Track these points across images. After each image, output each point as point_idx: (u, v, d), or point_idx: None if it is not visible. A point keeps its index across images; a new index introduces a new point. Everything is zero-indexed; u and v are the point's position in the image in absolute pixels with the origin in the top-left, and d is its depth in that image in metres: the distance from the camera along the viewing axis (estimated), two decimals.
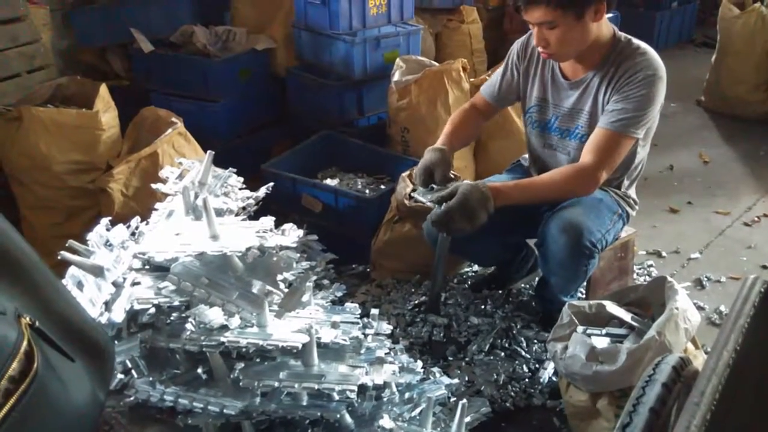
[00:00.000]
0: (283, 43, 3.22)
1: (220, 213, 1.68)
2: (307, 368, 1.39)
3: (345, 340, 1.41)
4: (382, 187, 2.77)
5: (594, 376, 1.69)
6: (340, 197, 2.65)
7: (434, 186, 1.95)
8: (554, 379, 1.95)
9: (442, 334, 2.07)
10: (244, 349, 1.35)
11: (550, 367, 1.99)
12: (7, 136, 2.25)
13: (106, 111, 2.31)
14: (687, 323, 1.73)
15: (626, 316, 1.85)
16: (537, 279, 2.33)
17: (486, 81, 2.28)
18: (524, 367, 1.99)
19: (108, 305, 1.36)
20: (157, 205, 1.74)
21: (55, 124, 2.22)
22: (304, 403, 1.35)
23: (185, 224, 1.53)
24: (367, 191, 2.76)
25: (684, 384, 1.33)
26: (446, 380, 1.63)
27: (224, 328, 1.38)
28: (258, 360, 1.41)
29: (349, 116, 3.12)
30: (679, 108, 4.31)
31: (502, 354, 2.03)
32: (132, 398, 1.46)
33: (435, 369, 1.68)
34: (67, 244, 1.52)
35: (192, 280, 1.41)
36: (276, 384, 1.34)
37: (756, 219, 3.10)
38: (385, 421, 1.34)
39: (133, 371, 1.41)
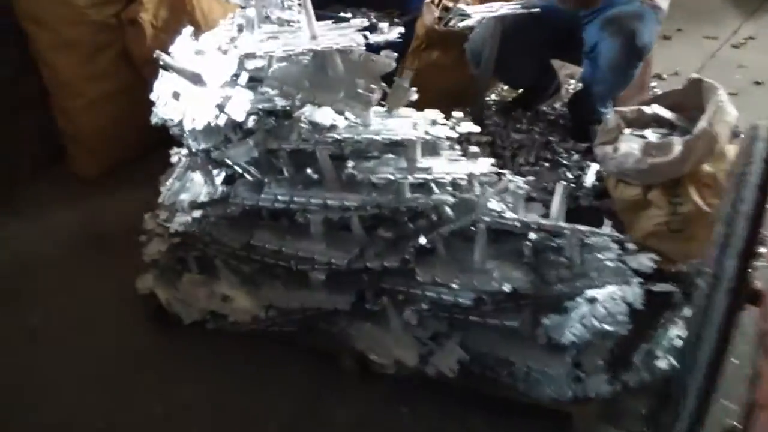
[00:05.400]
0: None
1: (290, 24, 1.66)
2: (411, 163, 1.46)
3: (446, 136, 1.47)
4: (396, 20, 2.74)
5: (649, 169, 1.82)
6: None
7: None
8: (596, 183, 2.10)
9: (488, 151, 2.17)
10: (357, 145, 1.40)
11: (592, 172, 2.13)
12: None
13: None
14: (729, 117, 1.87)
15: (668, 114, 1.98)
16: (571, 94, 2.43)
17: None
18: (568, 173, 2.13)
19: (221, 108, 1.37)
20: (221, 22, 1.70)
21: None
22: (409, 195, 1.43)
23: (273, 31, 1.51)
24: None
25: None
26: (519, 179, 1.72)
27: (333, 127, 1.42)
28: (363, 158, 1.47)
29: None
30: None
31: (546, 165, 2.15)
32: (234, 207, 1.52)
33: (505, 171, 1.76)
34: (155, 55, 1.49)
35: (294, 83, 1.43)
36: (390, 176, 1.41)
37: (743, 41, 3.26)
38: (493, 204, 1.44)
39: (245, 175, 1.45)
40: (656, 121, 2.01)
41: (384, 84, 1.44)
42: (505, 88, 2.66)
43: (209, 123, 1.38)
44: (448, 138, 1.59)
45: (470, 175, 1.46)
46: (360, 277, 1.50)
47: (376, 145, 1.42)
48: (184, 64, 1.46)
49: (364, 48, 1.43)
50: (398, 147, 1.46)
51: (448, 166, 1.46)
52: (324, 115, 1.41)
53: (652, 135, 1.90)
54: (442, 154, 1.52)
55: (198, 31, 2.19)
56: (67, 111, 2.30)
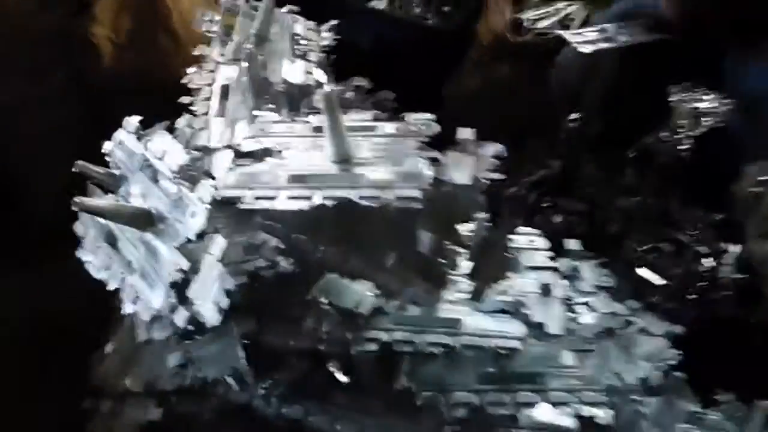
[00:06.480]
0: None
1: (306, 91, 1.02)
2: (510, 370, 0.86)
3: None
4: (445, 9, 2.06)
5: None
6: (392, 29, 1.97)
7: None
8: (738, 275, 1.49)
9: (583, 226, 1.55)
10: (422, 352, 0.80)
11: (731, 258, 1.51)
12: None
13: None
14: None
15: None
16: (701, 133, 1.77)
17: None
18: (698, 264, 1.51)
19: (182, 290, 0.76)
20: (195, 78, 1.08)
21: None
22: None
23: (277, 133, 0.88)
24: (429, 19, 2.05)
25: None
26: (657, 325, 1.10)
27: (376, 315, 0.81)
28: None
29: None
30: None
31: (668, 247, 1.53)
32: (216, 402, 0.96)
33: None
34: (76, 167, 0.89)
35: (307, 229, 0.82)
36: (475, 398, 0.81)
37: None
38: None
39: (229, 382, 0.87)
40: None
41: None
42: None
43: (159, 314, 0.78)
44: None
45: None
46: None
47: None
48: (108, 194, 0.85)
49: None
50: None
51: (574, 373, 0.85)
52: (361, 293, 0.80)
53: None
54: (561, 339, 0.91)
55: (175, 43, 1.61)
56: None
